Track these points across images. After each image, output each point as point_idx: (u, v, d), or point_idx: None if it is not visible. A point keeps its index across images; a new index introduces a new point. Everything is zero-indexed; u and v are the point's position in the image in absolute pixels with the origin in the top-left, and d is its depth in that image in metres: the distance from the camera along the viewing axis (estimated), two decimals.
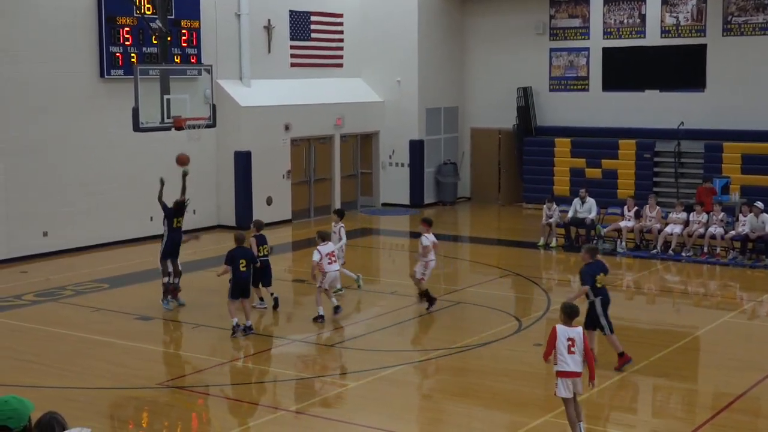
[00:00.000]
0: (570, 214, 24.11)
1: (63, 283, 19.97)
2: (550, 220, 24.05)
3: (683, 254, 22.42)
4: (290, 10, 28.69)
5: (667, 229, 22.83)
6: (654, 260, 22.24)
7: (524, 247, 24.22)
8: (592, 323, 13.80)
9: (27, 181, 22.36)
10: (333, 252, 17.08)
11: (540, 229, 24.39)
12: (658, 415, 12.62)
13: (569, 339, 10.81)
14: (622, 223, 23.37)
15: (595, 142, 29.45)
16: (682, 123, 27.60)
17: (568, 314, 11.05)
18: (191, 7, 25.37)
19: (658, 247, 22.67)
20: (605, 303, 13.93)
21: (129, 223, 24.34)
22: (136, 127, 18.14)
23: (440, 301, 17.85)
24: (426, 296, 17.43)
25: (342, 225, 18.92)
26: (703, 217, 22.60)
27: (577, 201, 24.23)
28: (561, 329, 10.89)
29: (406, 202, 30.88)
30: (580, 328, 11.05)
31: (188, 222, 24.83)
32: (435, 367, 14.38)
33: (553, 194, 27.42)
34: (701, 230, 22.45)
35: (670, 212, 23.57)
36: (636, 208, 23.47)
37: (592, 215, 23.85)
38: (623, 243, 23.14)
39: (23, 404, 6.11)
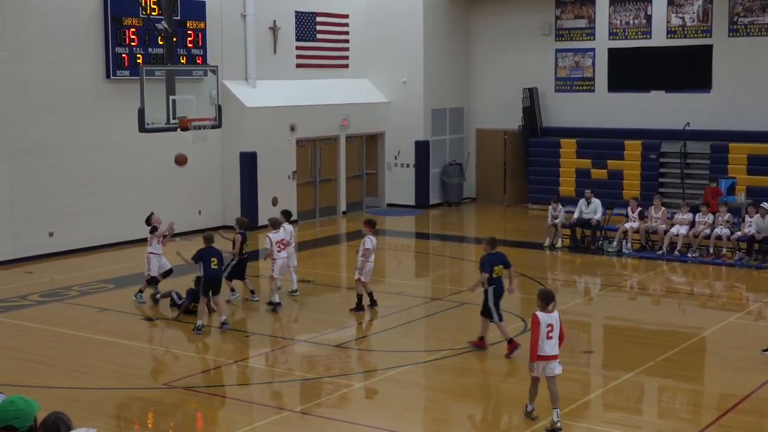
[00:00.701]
0: (575, 215, 24.07)
1: (68, 284, 20.01)
2: (556, 221, 24.04)
3: (689, 255, 22.39)
4: (296, 11, 28.71)
5: (673, 230, 22.80)
6: (660, 261, 22.22)
7: (530, 247, 24.20)
8: (485, 311, 14.56)
9: (32, 181, 22.40)
10: (284, 239, 17.82)
11: (545, 229, 24.39)
12: (663, 415, 12.59)
13: (549, 325, 11.30)
14: (627, 225, 23.36)
15: (601, 143, 29.43)
16: (688, 124, 27.54)
17: (545, 300, 11.45)
18: (197, 8, 25.41)
19: (664, 248, 22.64)
20: (498, 293, 14.52)
21: (134, 223, 24.23)
22: (142, 128, 18.13)
23: (445, 302, 17.87)
24: (370, 296, 17.47)
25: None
26: (709, 217, 22.58)
27: (582, 202, 24.20)
28: (542, 316, 11.32)
29: (412, 202, 30.88)
30: (556, 313, 11.47)
31: (194, 222, 24.97)
32: (440, 368, 14.37)
33: (559, 195, 27.41)
34: (707, 231, 22.42)
35: (675, 213, 23.55)
36: (640, 209, 23.46)
37: (598, 216, 23.81)
38: (629, 244, 23.12)
39: (29, 404, 6.11)
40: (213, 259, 16.19)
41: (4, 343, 15.64)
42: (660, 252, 22.64)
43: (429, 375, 14.17)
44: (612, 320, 18.00)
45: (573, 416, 12.01)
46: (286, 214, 19.14)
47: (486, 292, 14.48)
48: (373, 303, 17.46)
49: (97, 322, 17.01)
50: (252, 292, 18.23)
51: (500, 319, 14.53)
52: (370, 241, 17.29)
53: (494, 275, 14.45)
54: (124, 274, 20.79)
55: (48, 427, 6.10)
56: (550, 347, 11.36)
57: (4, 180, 21.86)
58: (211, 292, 16.27)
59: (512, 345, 14.39)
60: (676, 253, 22.48)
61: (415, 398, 13.25)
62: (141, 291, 18.27)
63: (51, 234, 22.81)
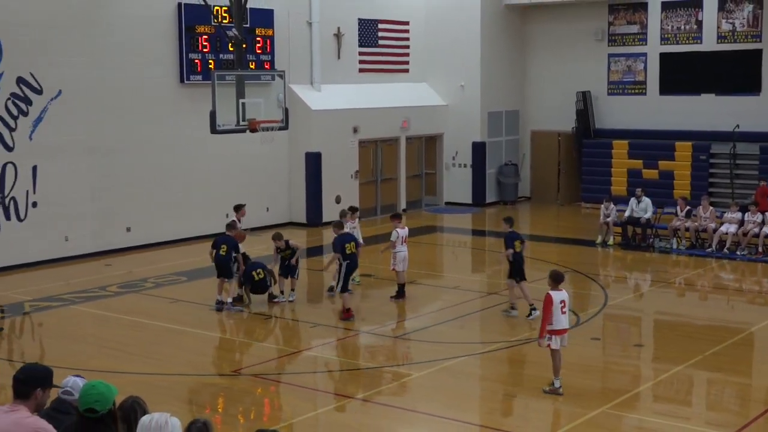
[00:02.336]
0: (627, 213, 23.81)
1: (144, 276, 20.26)
2: (608, 219, 23.81)
3: (738, 253, 22.03)
4: (359, 18, 28.76)
5: (722, 229, 22.46)
6: (709, 258, 21.90)
7: (582, 244, 24.01)
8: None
9: (112, 179, 22.72)
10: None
11: (597, 227, 24.17)
12: (712, 408, 12.42)
13: (561, 301, 12.12)
14: (677, 223, 23.07)
15: (652, 144, 29.06)
16: (738, 126, 27.12)
17: (555, 279, 12.34)
18: (265, 16, 25.57)
19: (713, 246, 22.30)
20: (351, 267, 16.45)
21: (206, 219, 24.58)
22: (213, 130, 18.28)
23: (500, 297, 17.79)
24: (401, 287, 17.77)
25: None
26: (758, 217, 22.21)
27: (633, 200, 23.94)
28: (555, 294, 12.14)
29: (469, 201, 30.77)
30: (565, 291, 12.33)
31: (262, 219, 25.15)
32: (495, 359, 14.32)
33: (611, 194, 27.12)
34: (756, 230, 22.05)
35: (725, 212, 23.19)
36: (688, 207, 23.16)
37: (648, 215, 23.54)
38: (683, 241, 22.87)
39: (108, 389, 6.21)
40: (223, 246, 17.15)
41: (85, 331, 15.90)
42: (709, 249, 22.30)
43: (484, 366, 14.12)
44: (662, 315, 17.79)
45: (624, 407, 11.91)
46: (353, 210, 19.40)
47: (340, 266, 16.26)
48: (400, 294, 17.57)
49: (170, 312, 17.22)
50: (281, 293, 17.85)
51: (344, 290, 16.28)
52: (395, 233, 17.65)
53: (347, 252, 16.32)
54: (195, 267, 20.98)
55: (125, 410, 6.21)
56: (563, 321, 12.21)
57: (85, 178, 22.21)
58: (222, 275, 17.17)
59: (348, 314, 16.18)
60: (725, 250, 22.13)
61: (471, 388, 13.23)
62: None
63: (128, 229, 23.12)
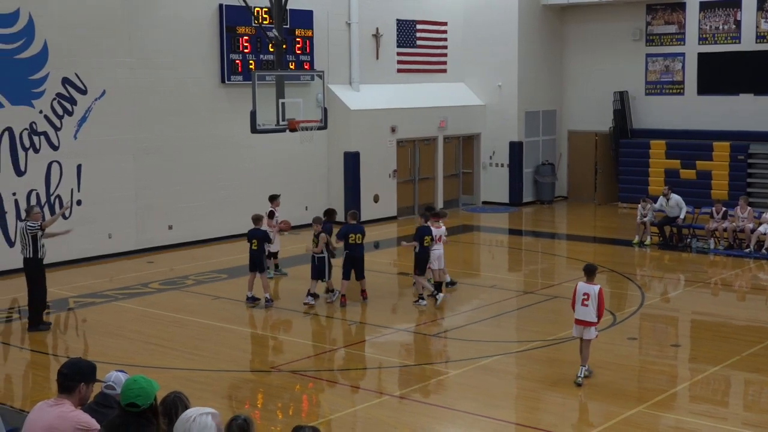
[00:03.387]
0: (656, 208, 23.64)
1: (185, 273, 20.40)
2: (645, 219, 23.60)
3: None
4: (397, 19, 28.75)
5: (761, 229, 22.16)
6: (747, 259, 21.64)
7: (619, 244, 23.83)
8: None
9: (154, 178, 22.91)
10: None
11: (635, 227, 23.98)
12: (749, 408, 12.27)
13: (585, 294, 12.50)
14: (713, 224, 22.83)
15: (690, 144, 28.77)
16: None
17: (587, 272, 12.75)
18: (305, 17, 25.64)
19: (751, 247, 22.03)
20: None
21: (246, 217, 24.60)
22: (254, 129, 18.35)
23: (537, 296, 17.72)
24: (436, 286, 17.59)
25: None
26: None
27: (661, 199, 23.71)
28: (580, 286, 12.64)
29: (506, 200, 30.66)
30: (597, 286, 12.56)
31: (301, 217, 25.20)
32: (531, 358, 14.25)
33: (648, 194, 26.89)
34: None
35: (763, 212, 22.89)
36: (724, 209, 22.89)
37: (682, 214, 23.32)
38: (721, 242, 22.64)
39: (150, 384, 6.25)
40: (254, 240, 17.49)
41: (128, 327, 16.02)
42: (747, 250, 22.04)
43: (521, 364, 14.05)
44: (699, 315, 17.61)
45: (661, 407, 11.81)
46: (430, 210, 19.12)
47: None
48: (436, 289, 17.42)
49: (211, 308, 17.31)
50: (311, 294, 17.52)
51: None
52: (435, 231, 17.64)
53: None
54: (236, 264, 21.08)
55: (167, 405, 6.24)
56: (581, 313, 12.54)
57: (128, 177, 22.41)
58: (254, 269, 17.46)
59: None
60: (763, 251, 21.85)
61: (507, 386, 13.17)
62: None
63: (170, 227, 23.30)
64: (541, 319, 16.47)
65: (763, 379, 13.14)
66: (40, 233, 15.73)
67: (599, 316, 12.60)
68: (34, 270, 15.94)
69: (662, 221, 23.57)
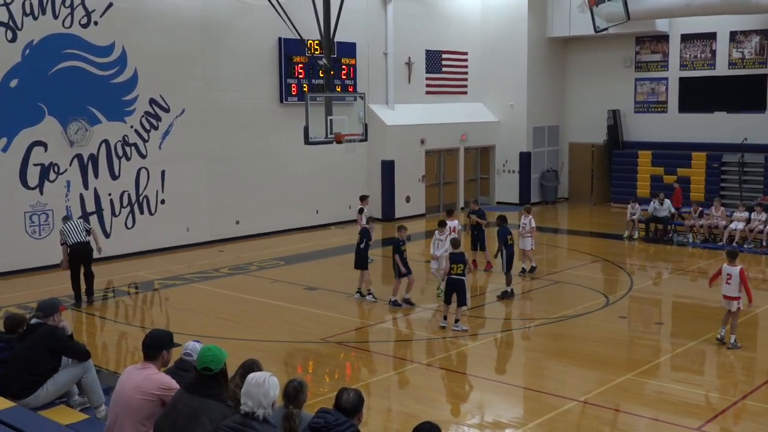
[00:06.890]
0: (650, 211, 23.45)
1: (250, 260, 20.48)
2: (633, 217, 23.43)
3: (745, 246, 21.46)
4: (426, 50, 28.68)
5: (732, 226, 21.92)
6: (720, 251, 21.33)
7: (611, 238, 23.62)
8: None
9: (224, 181, 23.03)
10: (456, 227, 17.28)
11: (625, 223, 23.79)
12: (721, 376, 12.09)
13: (728, 274, 12.78)
14: (692, 221, 22.62)
15: (672, 154, 28.45)
16: (746, 139, 26.46)
17: (729, 256, 13.02)
18: (349, 48, 25.66)
19: (724, 240, 21.77)
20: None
21: (300, 214, 24.82)
22: (306, 141, 18.43)
23: (542, 281, 17.61)
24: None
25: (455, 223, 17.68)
26: (763, 216, 21.60)
27: (655, 202, 23.49)
28: (725, 267, 12.92)
29: (516, 201, 30.46)
30: (739, 267, 12.77)
31: (344, 215, 25.26)
32: (537, 333, 14.19)
33: (636, 196, 26.63)
34: (761, 227, 21.46)
35: (734, 212, 22.63)
36: (700, 209, 22.87)
37: (667, 213, 23.20)
38: (698, 237, 22.48)
39: (221, 351, 6.33)
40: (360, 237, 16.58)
41: (202, 305, 16.12)
42: (720, 243, 21.77)
43: (528, 338, 14.00)
44: (679, 298, 17.41)
45: (646, 375, 11.71)
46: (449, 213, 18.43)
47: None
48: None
49: (271, 290, 17.37)
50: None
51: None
52: (452, 224, 17.20)
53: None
54: (291, 253, 21.18)
55: (246, 368, 6.36)
56: (726, 289, 12.81)
57: (203, 181, 22.56)
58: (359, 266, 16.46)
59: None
60: (733, 244, 21.54)
61: (517, 357, 13.13)
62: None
63: (237, 222, 23.41)
64: (545, 301, 16.37)
65: (733, 352, 12.96)
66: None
67: (747, 292, 12.88)
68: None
69: (648, 219, 23.39)
